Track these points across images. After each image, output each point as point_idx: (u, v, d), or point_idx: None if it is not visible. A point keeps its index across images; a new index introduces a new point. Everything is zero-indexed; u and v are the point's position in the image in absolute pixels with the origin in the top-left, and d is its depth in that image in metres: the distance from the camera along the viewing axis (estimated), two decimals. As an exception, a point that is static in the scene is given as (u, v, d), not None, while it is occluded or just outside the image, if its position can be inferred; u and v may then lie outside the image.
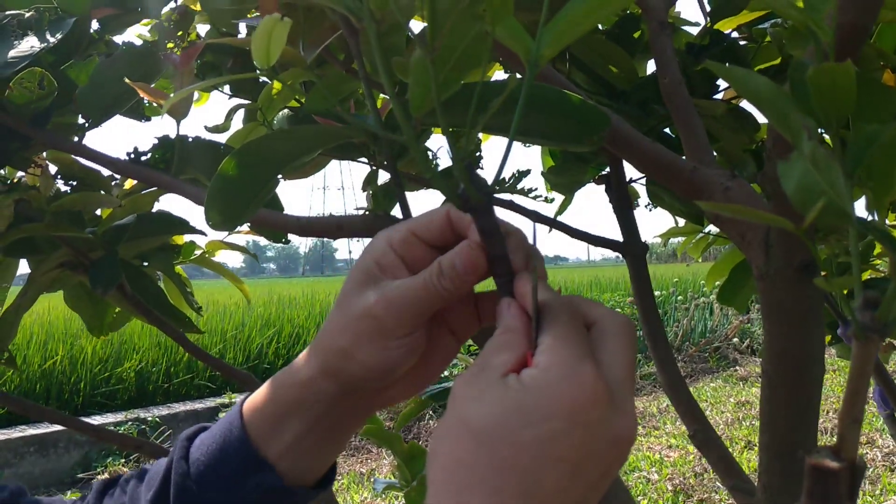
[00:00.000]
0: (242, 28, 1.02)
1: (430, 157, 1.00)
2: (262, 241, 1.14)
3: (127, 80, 0.80)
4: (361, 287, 0.45)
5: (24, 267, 1.13)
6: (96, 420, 4.92)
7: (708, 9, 1.11)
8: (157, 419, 5.06)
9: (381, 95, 1.21)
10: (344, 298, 0.46)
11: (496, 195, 1.07)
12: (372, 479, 4.21)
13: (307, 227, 0.81)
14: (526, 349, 0.39)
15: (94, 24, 1.06)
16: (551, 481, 0.35)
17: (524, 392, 0.36)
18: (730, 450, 1.12)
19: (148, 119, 1.15)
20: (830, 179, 0.36)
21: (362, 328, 0.45)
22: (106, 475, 4.33)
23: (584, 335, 0.39)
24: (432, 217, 0.46)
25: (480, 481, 0.35)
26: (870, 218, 0.42)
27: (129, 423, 4.93)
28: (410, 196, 0.89)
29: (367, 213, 1.05)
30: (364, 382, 0.46)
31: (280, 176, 0.63)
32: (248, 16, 0.82)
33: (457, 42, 0.37)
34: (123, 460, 4.56)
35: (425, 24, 0.37)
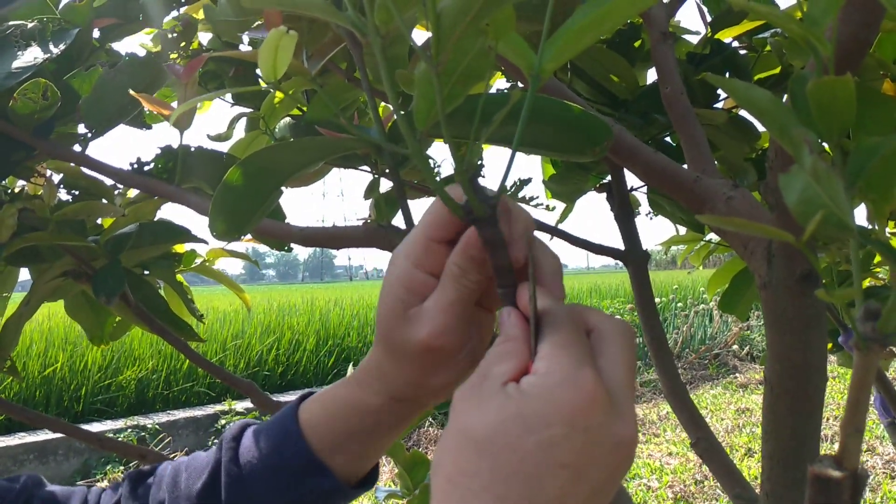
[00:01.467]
0: (245, 38, 1.02)
1: (432, 166, 1.00)
2: (262, 247, 1.15)
3: (131, 92, 0.80)
4: (404, 321, 0.46)
5: (23, 274, 1.14)
6: (96, 427, 4.92)
7: (708, 18, 1.12)
8: (157, 426, 5.05)
9: (383, 104, 1.22)
10: (390, 335, 0.46)
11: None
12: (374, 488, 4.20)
13: (309, 237, 0.81)
14: (527, 358, 0.39)
15: (95, 33, 1.06)
16: (554, 488, 0.35)
17: (524, 399, 0.36)
18: (730, 457, 1.12)
19: (149, 127, 1.15)
20: (831, 192, 0.36)
21: (427, 360, 0.46)
22: (105, 483, 4.32)
23: (584, 341, 0.39)
24: (439, 213, 0.46)
25: (484, 489, 0.35)
26: (870, 227, 0.42)
27: (129, 429, 4.92)
28: (412, 204, 0.89)
29: (368, 222, 1.05)
30: (440, 398, 0.48)
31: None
32: (252, 27, 0.82)
33: (461, 56, 0.37)
34: (123, 468, 4.55)
35: (429, 36, 0.37)
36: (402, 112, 0.40)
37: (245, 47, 1.06)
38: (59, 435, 4.49)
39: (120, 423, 5.06)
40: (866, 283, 1.43)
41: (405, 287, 0.46)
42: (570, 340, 0.38)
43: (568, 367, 0.36)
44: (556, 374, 0.36)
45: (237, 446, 0.53)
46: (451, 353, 0.46)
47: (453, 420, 0.38)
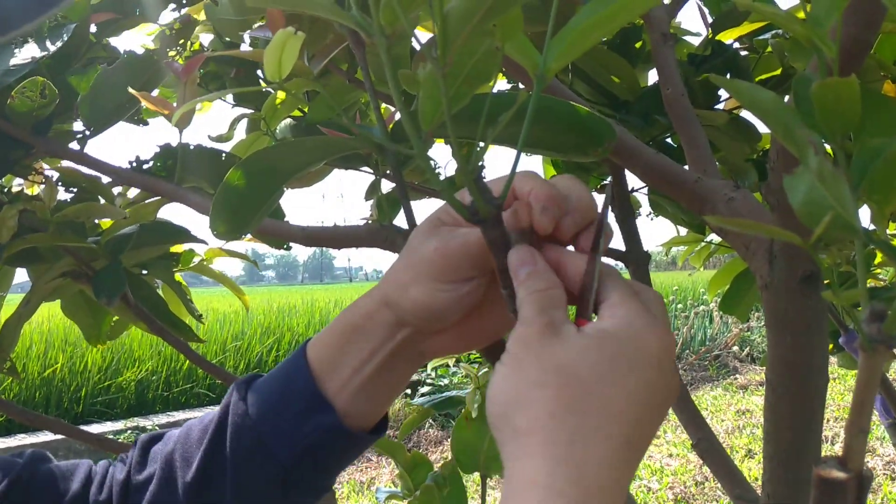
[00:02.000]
0: (245, 37, 1.02)
1: (434, 166, 1.00)
2: (261, 248, 1.15)
3: (130, 90, 0.80)
4: (427, 234, 0.47)
5: (19, 275, 1.14)
6: (96, 428, 4.92)
7: (709, 19, 1.12)
8: (157, 427, 5.05)
9: (383, 105, 1.22)
10: (411, 242, 0.48)
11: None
12: (373, 488, 4.20)
13: (311, 236, 0.81)
14: (566, 303, 0.41)
15: (92, 28, 1.06)
16: (642, 426, 0.37)
17: (620, 341, 0.38)
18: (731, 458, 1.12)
19: (146, 123, 1.15)
20: (837, 194, 0.36)
21: (420, 268, 0.46)
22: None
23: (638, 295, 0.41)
24: (498, 183, 0.46)
25: (595, 428, 0.36)
26: (871, 228, 0.42)
27: (129, 431, 4.92)
28: (414, 205, 0.89)
29: (370, 222, 1.05)
30: (415, 319, 0.47)
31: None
32: (254, 27, 0.82)
33: (467, 57, 0.37)
34: (122, 469, 4.54)
35: (432, 35, 0.37)
36: (408, 113, 0.40)
37: (246, 47, 1.06)
38: (58, 436, 4.49)
39: (120, 425, 5.05)
40: (868, 283, 1.43)
41: (443, 212, 0.48)
42: (632, 293, 0.41)
43: (645, 315, 0.39)
44: (641, 319, 0.39)
45: (247, 388, 0.52)
46: (441, 275, 0.46)
47: (537, 358, 0.38)
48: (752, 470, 4.25)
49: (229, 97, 1.26)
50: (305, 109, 1.16)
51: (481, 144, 0.45)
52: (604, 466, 0.35)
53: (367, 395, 0.50)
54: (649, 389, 0.37)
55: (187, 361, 6.30)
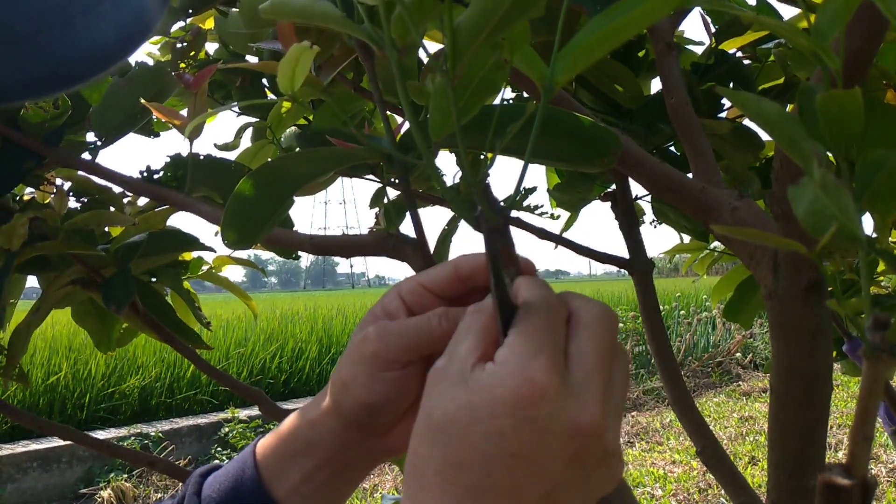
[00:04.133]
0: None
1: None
2: (264, 254, 1.15)
3: (142, 101, 0.81)
4: (363, 326, 0.47)
5: (29, 281, 1.14)
6: (99, 435, 4.92)
7: (713, 29, 1.13)
8: (161, 434, 5.05)
9: (389, 113, 1.23)
10: (352, 338, 0.48)
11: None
12: (376, 495, 4.20)
13: (319, 245, 0.82)
14: (494, 332, 0.39)
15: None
16: (504, 477, 0.36)
17: (476, 389, 0.36)
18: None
19: (157, 135, 1.16)
20: (840, 204, 0.36)
21: (356, 359, 0.46)
22: (109, 490, 4.32)
23: (555, 328, 0.39)
24: (440, 270, 0.47)
25: (436, 473, 0.36)
26: (874, 237, 0.42)
27: (133, 437, 4.93)
28: (420, 213, 0.90)
29: (376, 230, 1.06)
30: (359, 417, 0.47)
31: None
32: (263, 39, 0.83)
33: (476, 70, 0.38)
34: (126, 475, 4.55)
35: (442, 47, 0.38)
36: (417, 124, 0.41)
37: (251, 57, 1.07)
38: (62, 442, 4.50)
39: (123, 431, 5.06)
40: (871, 291, 1.43)
41: (382, 306, 0.48)
42: (536, 328, 0.38)
43: (521, 358, 0.36)
44: (509, 364, 0.36)
45: (202, 482, 0.52)
46: (379, 363, 0.45)
47: (422, 401, 0.39)
48: (756, 477, 4.24)
49: (235, 106, 1.27)
50: (311, 118, 1.17)
51: (489, 155, 0.46)
52: None
53: (318, 500, 0.49)
54: (500, 439, 0.35)
55: (191, 368, 6.32)
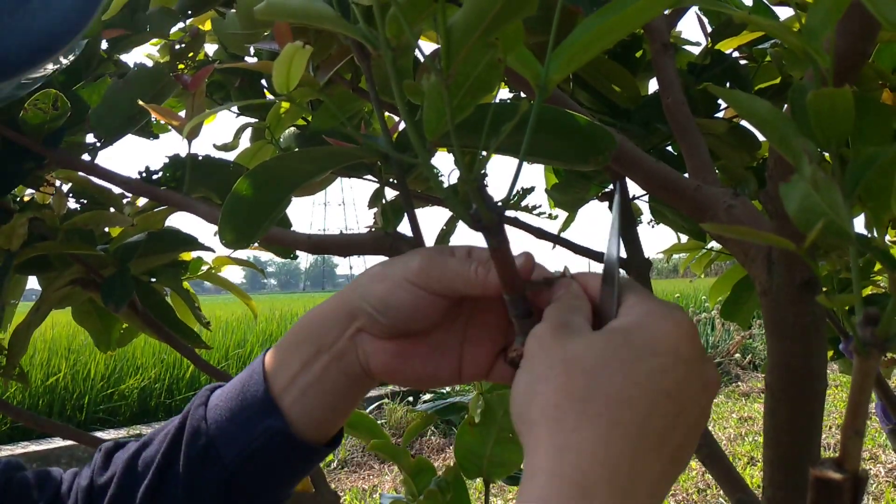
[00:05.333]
0: (249, 47, 1.04)
1: (437, 174, 1.01)
2: (263, 255, 1.16)
3: (141, 102, 0.82)
4: (420, 251, 0.49)
5: (29, 283, 1.15)
6: (99, 436, 4.91)
7: (709, 29, 1.13)
8: (160, 436, 5.05)
9: (386, 114, 1.23)
10: (403, 250, 0.52)
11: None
12: (375, 496, 4.20)
13: (317, 244, 0.82)
14: (591, 316, 0.42)
15: (104, 44, 1.08)
16: (660, 415, 0.37)
17: (629, 332, 0.38)
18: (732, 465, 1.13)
19: (156, 137, 1.17)
20: (831, 201, 0.37)
21: (395, 267, 0.48)
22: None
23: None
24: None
25: (598, 414, 0.36)
26: (870, 235, 0.43)
27: (132, 439, 4.92)
28: (417, 213, 0.90)
29: (373, 230, 1.06)
30: (368, 307, 0.48)
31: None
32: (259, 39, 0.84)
33: (470, 69, 0.38)
34: (125, 477, 4.54)
35: (437, 47, 0.38)
36: (413, 123, 0.41)
37: (250, 58, 1.07)
38: (61, 443, 4.50)
39: (122, 433, 5.06)
40: (867, 291, 1.44)
41: (451, 248, 0.49)
42: (652, 295, 0.41)
43: (663, 307, 0.39)
44: (655, 311, 0.39)
45: (210, 393, 0.53)
46: (419, 283, 0.47)
47: (547, 354, 0.39)
48: (755, 477, 4.24)
49: (234, 106, 1.27)
50: (309, 118, 1.18)
51: (484, 153, 0.46)
52: (610, 450, 0.35)
53: (313, 400, 0.50)
54: (664, 376, 0.37)
55: (190, 369, 6.32)
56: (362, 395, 0.52)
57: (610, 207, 1.33)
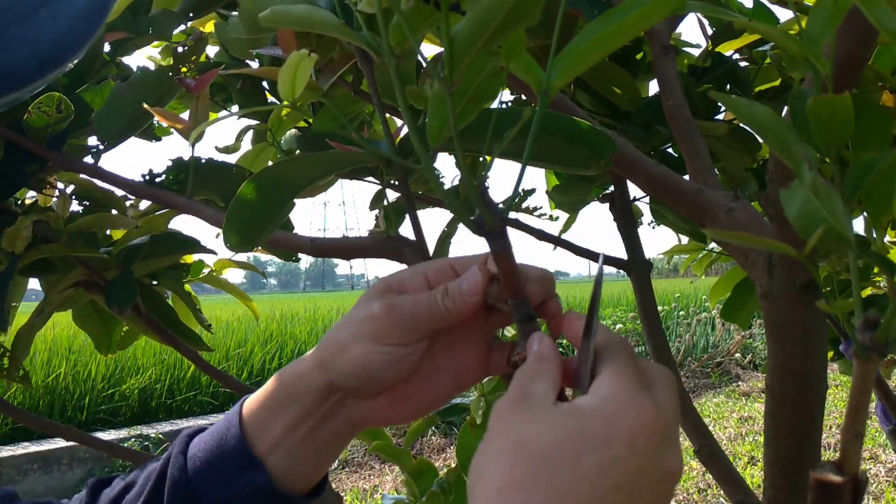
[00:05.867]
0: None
1: (438, 176, 1.02)
2: (263, 256, 1.16)
3: (144, 105, 0.82)
4: (374, 297, 0.48)
5: (30, 284, 1.15)
6: (100, 437, 4.91)
7: (709, 31, 1.14)
8: (161, 435, 5.05)
9: (388, 116, 1.23)
10: (360, 300, 0.48)
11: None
12: (376, 496, 4.21)
13: (320, 247, 0.83)
14: (559, 379, 0.40)
15: (106, 46, 1.08)
16: None
17: (586, 417, 0.37)
18: (733, 465, 1.13)
19: (159, 139, 1.17)
20: (830, 207, 0.37)
21: (360, 327, 0.47)
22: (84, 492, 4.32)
23: (640, 372, 0.40)
24: (473, 257, 0.48)
25: (541, 503, 0.35)
26: (870, 238, 0.43)
27: (133, 439, 4.93)
28: (419, 215, 0.90)
29: (376, 232, 1.06)
30: (349, 380, 0.47)
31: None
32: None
33: (473, 76, 0.39)
34: (127, 477, 4.55)
35: (440, 51, 0.39)
36: (416, 129, 0.42)
37: (252, 62, 1.08)
38: (62, 444, 4.50)
39: (123, 433, 5.06)
40: (867, 291, 1.44)
41: (400, 280, 0.48)
42: (631, 369, 0.39)
43: (631, 392, 0.38)
44: (621, 396, 0.37)
45: (189, 441, 0.52)
46: (382, 335, 0.46)
47: (501, 432, 0.38)
48: (755, 477, 4.25)
49: (234, 108, 1.28)
50: (311, 120, 1.18)
51: (486, 158, 0.47)
52: None
53: (299, 458, 0.49)
54: (614, 469, 0.35)
55: (191, 369, 6.32)
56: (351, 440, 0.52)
57: (611, 208, 1.33)
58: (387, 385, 0.48)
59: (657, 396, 0.39)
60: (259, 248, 1.08)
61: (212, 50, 1.27)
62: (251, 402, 0.51)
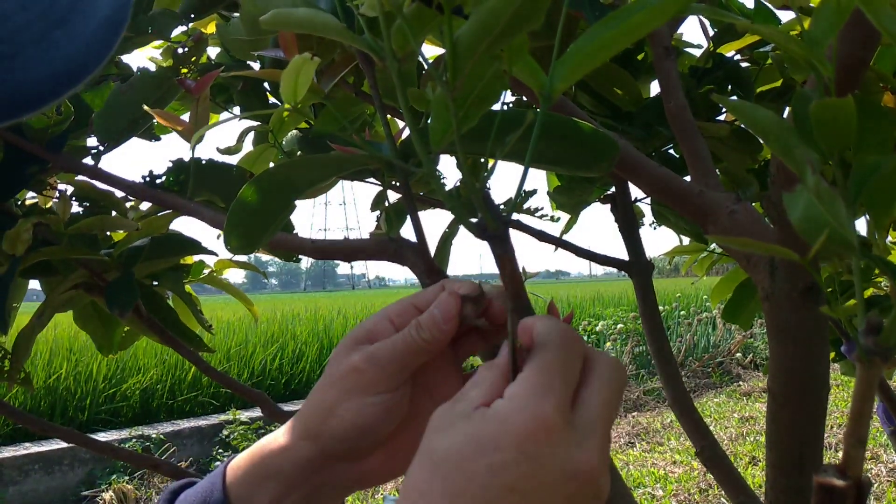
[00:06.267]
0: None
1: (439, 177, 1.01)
2: (264, 256, 1.16)
3: (145, 107, 0.82)
4: (350, 350, 0.47)
5: (31, 284, 1.15)
6: (100, 437, 4.92)
7: (710, 32, 1.14)
8: (162, 436, 5.06)
9: (389, 117, 1.23)
10: (333, 360, 0.48)
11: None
12: (378, 496, 4.21)
13: (321, 249, 0.83)
14: (503, 385, 0.40)
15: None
16: None
17: (481, 423, 0.37)
18: (734, 465, 1.13)
19: (158, 139, 1.17)
20: (834, 211, 0.37)
21: (346, 384, 0.46)
22: (110, 493, 4.32)
23: (568, 367, 0.40)
24: (430, 293, 0.48)
25: None
26: (871, 239, 0.43)
27: (134, 440, 4.93)
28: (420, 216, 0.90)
29: (377, 233, 1.06)
30: (342, 443, 0.47)
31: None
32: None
33: (476, 80, 0.39)
34: (127, 478, 4.55)
35: (441, 53, 0.39)
36: (418, 132, 0.41)
37: (253, 63, 1.08)
38: (63, 445, 4.51)
39: (125, 433, 5.06)
40: (869, 292, 1.44)
41: (367, 329, 0.48)
42: (550, 366, 0.39)
43: (530, 395, 0.37)
44: (517, 399, 0.38)
45: (174, 499, 0.51)
46: (369, 386, 0.46)
47: (423, 438, 0.39)
48: (756, 477, 4.25)
49: (236, 109, 1.27)
50: (312, 122, 1.18)
51: (487, 161, 0.46)
52: None
53: None
54: (505, 472, 0.36)
55: (192, 370, 6.32)
56: None
57: (612, 209, 1.33)
58: (381, 439, 0.47)
59: (586, 389, 0.39)
60: (260, 249, 1.08)
61: (213, 51, 1.27)
62: (235, 468, 0.50)
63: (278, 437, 0.49)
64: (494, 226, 0.42)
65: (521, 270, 0.46)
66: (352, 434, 0.46)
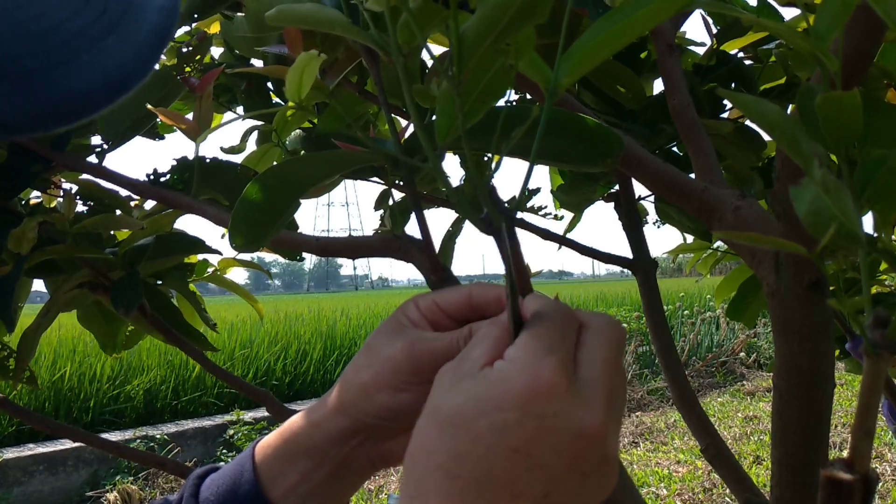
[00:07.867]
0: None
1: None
2: (268, 256, 1.16)
3: (149, 106, 0.82)
4: (391, 335, 0.48)
5: (35, 284, 1.15)
6: (106, 437, 4.92)
7: (714, 30, 1.14)
8: (166, 436, 5.06)
9: (393, 116, 1.23)
10: (373, 342, 0.48)
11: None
12: (381, 496, 4.21)
13: (325, 247, 0.83)
14: (506, 342, 0.40)
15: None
16: (503, 469, 0.36)
17: (485, 383, 0.38)
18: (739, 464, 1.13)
19: (162, 137, 1.17)
20: (840, 204, 0.37)
21: (382, 369, 0.47)
22: (115, 493, 4.33)
23: (565, 334, 0.40)
24: (455, 294, 0.49)
25: (438, 467, 0.37)
26: (876, 235, 0.43)
27: (138, 440, 4.93)
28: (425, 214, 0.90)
29: (381, 232, 1.06)
30: (374, 420, 0.47)
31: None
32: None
33: (481, 75, 0.39)
34: (132, 478, 4.56)
35: (445, 50, 0.39)
36: (423, 128, 0.41)
37: (257, 61, 1.08)
38: (68, 445, 4.51)
39: (129, 434, 5.07)
40: (873, 290, 1.44)
41: (405, 314, 0.48)
42: (548, 331, 0.39)
43: (533, 355, 0.38)
44: (520, 360, 0.38)
45: (200, 483, 0.52)
46: (405, 376, 0.46)
47: (431, 397, 0.40)
48: (761, 476, 4.24)
49: (239, 109, 1.28)
50: (315, 121, 1.18)
51: (492, 157, 0.46)
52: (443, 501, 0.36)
53: (314, 502, 0.49)
54: (507, 432, 0.36)
55: (196, 370, 6.33)
56: None
57: (616, 208, 1.33)
58: (411, 421, 0.48)
59: (583, 350, 0.40)
60: (264, 247, 1.08)
61: (216, 52, 1.27)
62: (265, 446, 0.51)
63: (310, 413, 0.50)
64: (500, 221, 0.42)
65: (527, 265, 0.45)
66: (384, 415, 0.47)
